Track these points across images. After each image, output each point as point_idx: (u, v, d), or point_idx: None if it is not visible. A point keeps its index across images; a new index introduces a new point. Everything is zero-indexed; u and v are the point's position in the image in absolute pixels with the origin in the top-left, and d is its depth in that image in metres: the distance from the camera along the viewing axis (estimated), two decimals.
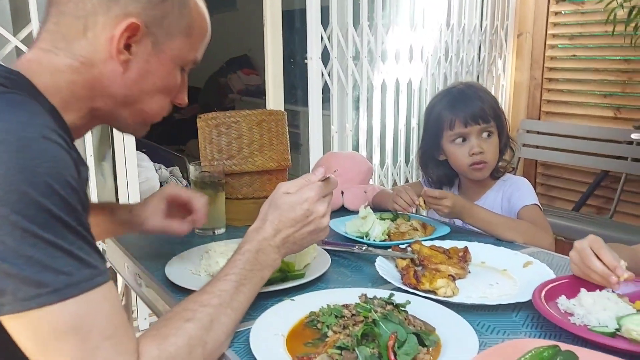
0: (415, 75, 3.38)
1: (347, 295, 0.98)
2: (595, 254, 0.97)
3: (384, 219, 1.43)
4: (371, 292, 0.98)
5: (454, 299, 0.99)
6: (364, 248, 1.24)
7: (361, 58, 3.08)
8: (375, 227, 1.33)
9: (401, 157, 3.48)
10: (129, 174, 2.46)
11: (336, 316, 0.88)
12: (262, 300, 0.99)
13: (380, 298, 0.92)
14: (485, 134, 1.52)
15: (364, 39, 3.05)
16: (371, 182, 3.30)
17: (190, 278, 1.11)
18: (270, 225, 0.94)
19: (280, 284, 1.05)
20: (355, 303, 0.92)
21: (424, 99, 3.48)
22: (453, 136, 1.54)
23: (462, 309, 0.96)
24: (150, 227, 1.20)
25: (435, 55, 3.43)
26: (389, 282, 1.05)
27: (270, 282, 0.99)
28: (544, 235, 1.38)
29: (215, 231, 1.44)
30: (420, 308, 0.93)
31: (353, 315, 0.88)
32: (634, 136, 3.19)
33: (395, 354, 0.77)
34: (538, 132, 3.73)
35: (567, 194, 3.63)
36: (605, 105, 3.46)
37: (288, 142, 1.60)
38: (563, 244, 3.45)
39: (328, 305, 0.93)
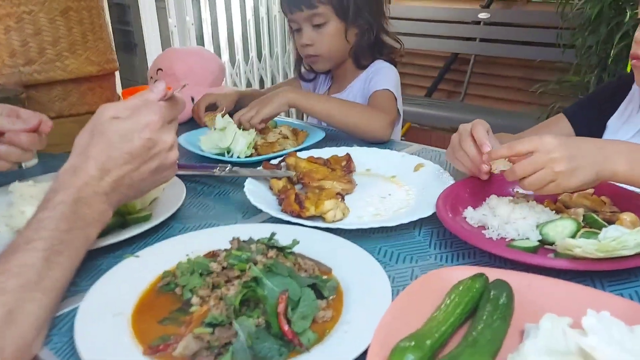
0: None
1: (212, 238, 0.74)
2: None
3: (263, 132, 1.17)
4: (244, 230, 0.75)
5: (347, 224, 0.80)
6: (227, 169, 0.98)
7: None
8: (238, 140, 1.07)
9: (253, 53, 3.16)
10: None
11: (201, 274, 0.65)
12: (92, 261, 0.71)
13: (259, 241, 0.69)
14: (316, 22, 1.30)
15: None
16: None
17: None
18: (94, 164, 0.66)
19: (118, 233, 0.77)
20: (226, 250, 0.68)
21: None
22: (290, 23, 1.36)
23: (357, 234, 0.78)
24: None
25: None
26: (265, 212, 0.83)
27: (102, 233, 0.71)
28: (378, 116, 1.21)
29: (23, 164, 1.08)
30: (308, 242, 0.72)
31: (224, 269, 0.65)
32: (481, 15, 3.19)
33: (289, 322, 0.56)
34: (390, 17, 3.60)
35: (419, 80, 3.63)
36: None
37: (111, 37, 1.23)
38: (417, 131, 3.50)
39: (188, 258, 0.69)
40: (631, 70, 0.97)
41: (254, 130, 1.12)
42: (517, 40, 3.05)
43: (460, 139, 0.86)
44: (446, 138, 3.16)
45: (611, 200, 0.81)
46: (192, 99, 1.35)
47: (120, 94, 1.27)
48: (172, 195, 0.89)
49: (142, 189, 0.72)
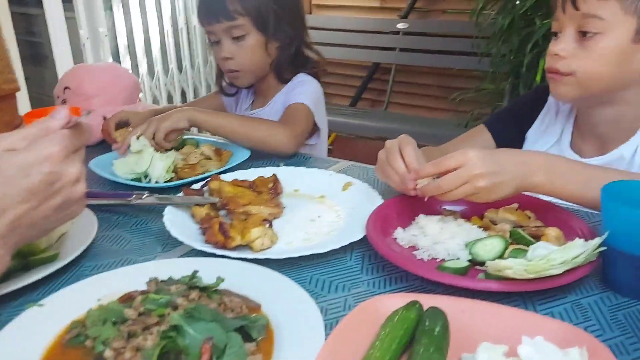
0: None
1: (128, 279, 0.68)
2: (401, 154, 0.83)
3: (167, 150, 1.10)
4: (164, 267, 0.69)
5: (276, 253, 0.75)
6: (144, 196, 0.91)
7: None
8: (155, 164, 1.00)
9: (172, 65, 3.05)
10: None
11: (115, 322, 0.58)
12: None
13: (180, 281, 0.64)
14: (235, 34, 1.26)
15: None
16: (142, 96, 2.85)
17: None
18: None
19: (19, 278, 0.69)
20: (142, 293, 0.62)
21: None
22: (209, 35, 1.30)
23: (287, 262, 0.74)
24: None
25: None
26: (186, 245, 0.77)
27: (0, 279, 0.63)
28: (281, 129, 1.18)
29: None
30: (234, 276, 0.67)
31: (141, 315, 0.59)
32: (399, 26, 3.26)
33: None
34: (310, 27, 3.60)
35: (343, 90, 3.66)
36: None
37: (11, 54, 1.13)
38: (344, 140, 3.52)
39: (100, 304, 0.62)
40: (546, 81, 1.00)
41: (173, 152, 1.05)
42: (435, 50, 3.14)
43: (388, 156, 0.85)
44: (372, 146, 3.19)
45: (535, 214, 0.82)
46: (104, 118, 1.26)
47: (22, 118, 1.16)
48: (82, 229, 0.82)
49: (45, 227, 0.65)
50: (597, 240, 0.65)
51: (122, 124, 1.23)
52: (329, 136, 3.48)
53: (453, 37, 3.05)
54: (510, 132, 1.12)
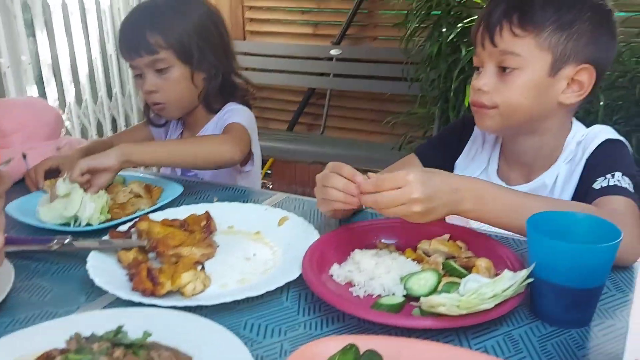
0: None
1: (47, 335, 0.63)
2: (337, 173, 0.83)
3: (111, 192, 1.05)
4: (87, 320, 0.65)
5: (209, 297, 0.73)
6: (66, 241, 0.86)
7: None
8: (85, 206, 0.94)
9: (102, 92, 2.95)
10: None
11: None
12: None
13: (103, 337, 0.60)
14: (159, 67, 1.22)
15: None
16: (69, 125, 2.73)
17: None
18: None
19: None
20: (62, 352, 0.58)
21: (118, 19, 2.97)
22: (132, 69, 1.27)
23: (220, 307, 0.72)
24: None
25: None
26: (112, 294, 0.73)
27: None
28: (225, 138, 1.17)
29: None
30: (164, 326, 0.64)
31: None
32: (333, 52, 3.31)
33: None
34: (245, 54, 3.59)
35: (280, 115, 3.66)
36: (304, 22, 3.49)
37: None
38: (281, 165, 3.52)
39: None
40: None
41: (104, 192, 1.00)
42: (368, 75, 3.21)
43: (327, 176, 0.84)
44: (310, 170, 3.19)
45: (466, 244, 0.84)
46: (24, 156, 1.18)
47: None
48: None
49: None
50: (525, 272, 0.67)
51: (52, 172, 1.13)
52: (266, 161, 3.47)
53: (384, 62, 3.13)
54: (439, 161, 1.15)
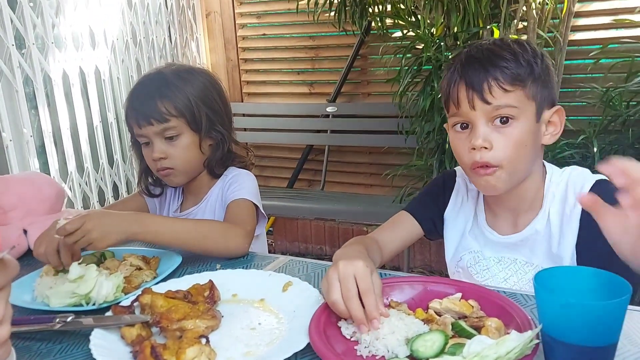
0: (103, 62, 2.91)
1: None
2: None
3: (108, 268, 1.03)
4: None
5: None
6: (68, 319, 0.85)
7: (28, 46, 2.46)
8: (102, 286, 0.93)
9: (103, 160, 2.99)
10: None
11: None
12: None
13: None
14: (168, 135, 1.25)
15: (27, 22, 2.44)
16: (71, 194, 2.74)
17: None
18: None
19: None
20: None
21: (118, 89, 3.05)
22: (139, 138, 1.29)
23: None
24: None
25: (122, 39, 3.01)
26: None
27: None
28: (234, 231, 1.16)
29: None
30: None
31: None
32: (329, 109, 3.38)
33: None
34: (244, 115, 3.66)
35: (280, 172, 3.69)
36: (300, 82, 3.58)
37: None
38: (283, 222, 3.51)
39: None
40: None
41: (119, 272, 0.99)
42: (364, 130, 3.26)
43: (347, 299, 0.77)
44: (312, 226, 3.17)
45: (478, 303, 0.82)
46: (25, 232, 1.19)
47: None
48: None
49: None
50: (530, 334, 0.65)
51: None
52: (267, 219, 3.47)
53: (379, 117, 3.18)
54: (432, 214, 1.15)
